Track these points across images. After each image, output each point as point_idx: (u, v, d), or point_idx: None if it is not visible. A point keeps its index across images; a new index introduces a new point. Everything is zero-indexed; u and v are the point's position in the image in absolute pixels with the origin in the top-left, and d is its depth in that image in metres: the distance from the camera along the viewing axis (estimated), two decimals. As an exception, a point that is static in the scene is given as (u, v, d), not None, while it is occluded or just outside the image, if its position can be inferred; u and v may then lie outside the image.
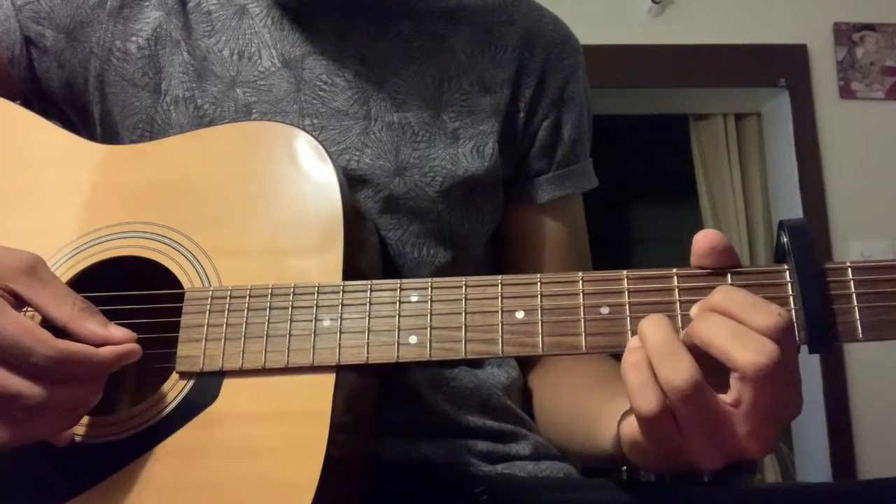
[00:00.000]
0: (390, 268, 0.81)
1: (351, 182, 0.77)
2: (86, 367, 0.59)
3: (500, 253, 0.92)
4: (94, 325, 0.61)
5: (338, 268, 0.66)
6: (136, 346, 0.61)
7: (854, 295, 0.57)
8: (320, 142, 0.71)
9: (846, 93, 2.81)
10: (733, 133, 3.21)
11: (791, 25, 2.84)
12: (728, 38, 2.81)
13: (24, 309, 0.60)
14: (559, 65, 0.90)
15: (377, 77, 0.83)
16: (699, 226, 3.00)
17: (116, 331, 0.61)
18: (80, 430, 0.65)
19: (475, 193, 0.84)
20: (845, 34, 2.84)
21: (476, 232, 0.86)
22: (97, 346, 0.60)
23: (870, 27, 2.85)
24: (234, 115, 0.81)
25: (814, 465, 2.71)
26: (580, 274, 0.61)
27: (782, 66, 2.82)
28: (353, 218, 0.70)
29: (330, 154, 0.71)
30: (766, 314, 0.53)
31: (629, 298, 0.60)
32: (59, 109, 0.88)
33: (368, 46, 0.84)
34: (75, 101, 0.87)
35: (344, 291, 0.65)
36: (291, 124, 0.76)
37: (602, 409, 0.70)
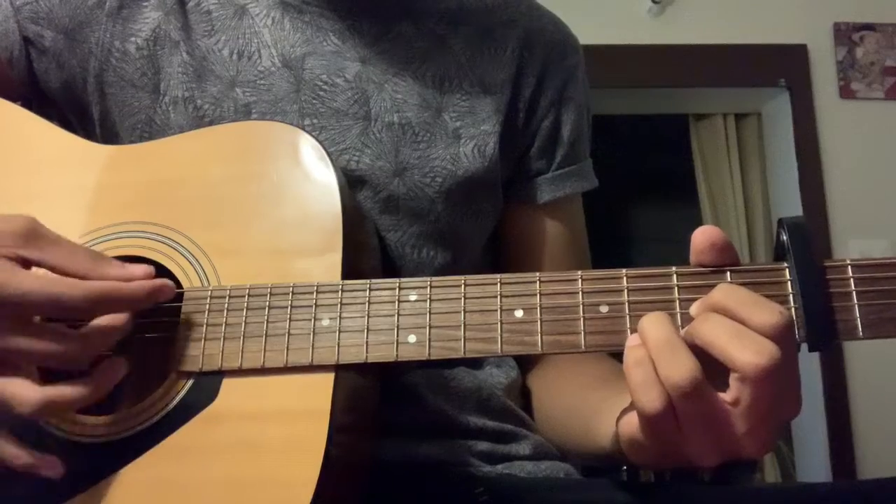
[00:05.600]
0: (390, 269, 0.81)
1: (350, 182, 0.77)
2: (121, 303, 0.61)
3: (500, 253, 0.92)
4: (114, 269, 0.62)
5: (337, 268, 0.66)
6: (169, 283, 0.64)
7: (854, 293, 0.56)
8: (320, 142, 0.71)
9: (846, 93, 2.81)
10: (733, 133, 3.21)
11: (791, 25, 2.84)
12: (728, 38, 2.81)
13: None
14: (559, 65, 0.90)
15: (377, 77, 0.83)
16: (699, 226, 2.99)
17: (136, 269, 0.63)
18: (79, 429, 0.65)
19: (475, 194, 0.84)
20: (845, 34, 2.84)
21: (475, 232, 0.86)
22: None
23: (870, 27, 2.85)
24: (234, 115, 0.80)
25: (814, 465, 2.71)
26: (579, 273, 0.61)
27: (782, 66, 2.82)
28: (353, 218, 0.70)
29: (330, 154, 0.71)
30: (767, 312, 0.53)
31: (628, 297, 0.60)
32: (58, 110, 0.88)
33: (369, 47, 0.84)
34: (74, 101, 0.87)
35: (343, 291, 0.64)
36: (291, 124, 0.76)
37: (600, 406, 0.70)
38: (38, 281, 0.58)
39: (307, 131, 0.73)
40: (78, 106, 0.87)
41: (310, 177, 0.70)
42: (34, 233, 0.61)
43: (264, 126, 0.76)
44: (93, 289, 0.59)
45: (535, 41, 0.89)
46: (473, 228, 0.86)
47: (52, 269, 0.61)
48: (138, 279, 0.62)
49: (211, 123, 0.80)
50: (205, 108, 0.81)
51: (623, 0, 2.83)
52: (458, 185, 0.82)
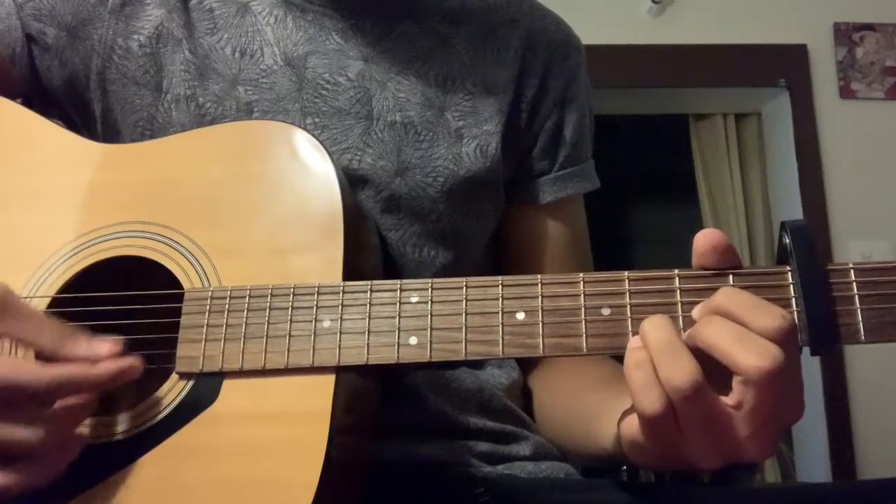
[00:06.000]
0: (391, 268, 0.81)
1: (352, 182, 0.77)
2: (86, 387, 0.59)
3: (501, 254, 0.92)
4: (80, 346, 0.60)
5: (337, 268, 0.66)
6: (135, 362, 0.61)
7: (856, 296, 0.56)
8: (321, 141, 0.71)
9: (846, 93, 2.81)
10: (733, 133, 3.21)
11: (791, 25, 2.84)
12: (728, 38, 2.81)
13: None
14: (561, 65, 0.90)
15: (380, 76, 0.83)
16: (699, 226, 2.99)
17: (103, 347, 0.60)
18: (81, 430, 0.64)
19: (477, 193, 0.84)
20: (845, 34, 2.84)
21: (477, 232, 0.86)
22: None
23: (870, 27, 2.84)
24: (236, 113, 0.80)
25: (814, 465, 2.71)
26: (581, 275, 0.61)
27: (782, 66, 2.82)
28: (354, 217, 0.70)
29: (330, 153, 0.70)
30: (770, 316, 0.53)
31: (630, 299, 0.60)
32: (60, 108, 0.88)
33: (372, 46, 0.84)
34: (76, 99, 0.86)
35: (344, 292, 0.64)
36: (293, 123, 0.76)
37: (602, 407, 0.70)
38: (2, 367, 0.57)
39: (309, 130, 0.72)
40: (80, 103, 0.86)
41: (310, 176, 0.70)
42: (3, 304, 0.59)
43: (264, 125, 0.75)
44: (57, 376, 0.57)
45: (537, 41, 0.89)
46: (475, 228, 0.86)
47: (18, 342, 0.60)
48: (105, 357, 0.60)
49: (213, 122, 0.80)
50: (207, 106, 0.81)
51: (623, 0, 2.83)
52: (460, 184, 0.82)
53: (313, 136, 0.71)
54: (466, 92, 0.85)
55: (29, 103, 0.85)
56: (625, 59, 2.74)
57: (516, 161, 0.88)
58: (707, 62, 2.80)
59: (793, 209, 2.79)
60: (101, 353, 0.60)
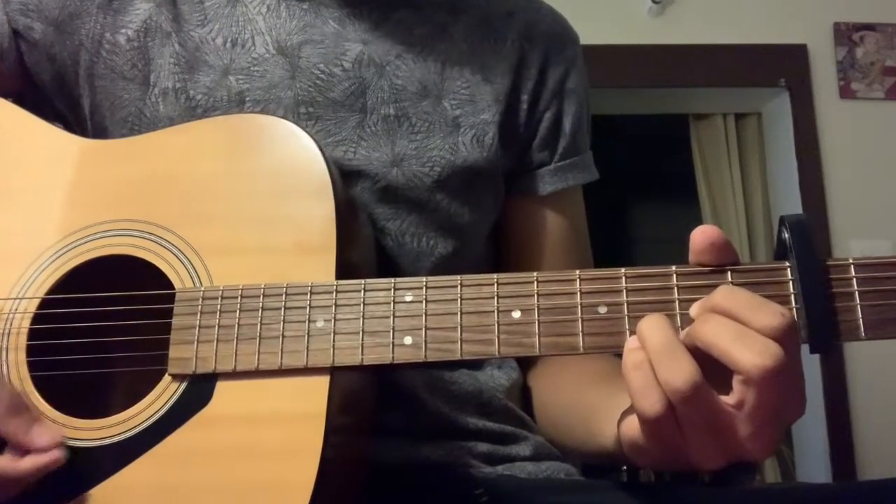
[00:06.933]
0: (389, 259, 0.80)
1: (348, 174, 0.77)
2: (6, 480, 0.59)
3: (502, 246, 0.91)
4: (19, 428, 0.60)
5: (331, 265, 0.65)
6: (58, 456, 0.61)
7: (856, 293, 0.55)
8: (313, 134, 0.70)
9: (846, 93, 2.81)
10: (733, 133, 3.21)
11: (791, 25, 2.84)
12: (728, 38, 2.81)
13: None
14: (559, 56, 0.89)
15: (379, 58, 0.83)
16: (699, 225, 2.99)
17: (42, 435, 0.61)
18: (74, 433, 0.64)
19: (475, 184, 0.83)
20: (845, 34, 2.84)
21: (476, 223, 0.85)
22: (21, 448, 0.60)
23: (870, 27, 2.84)
24: (227, 104, 0.80)
25: (814, 465, 2.71)
26: (577, 272, 0.60)
27: (782, 66, 2.82)
28: (346, 212, 0.68)
29: (322, 147, 0.69)
30: (769, 314, 0.52)
31: (627, 297, 0.59)
32: (51, 104, 0.87)
33: (370, 31, 0.84)
34: (66, 94, 0.86)
35: (337, 291, 0.63)
36: (285, 111, 0.75)
37: (602, 404, 0.69)
38: None
39: (302, 119, 0.71)
40: (70, 99, 0.86)
41: (301, 171, 0.69)
42: None
43: (254, 119, 0.74)
44: None
45: (534, 32, 0.89)
46: (474, 219, 0.85)
47: None
48: (37, 448, 0.60)
49: (204, 113, 0.79)
50: (197, 98, 0.80)
51: (623, 0, 2.83)
52: (457, 174, 0.82)
53: (305, 128, 0.70)
54: (465, 80, 0.85)
55: (22, 99, 0.84)
56: (625, 59, 2.74)
57: (517, 153, 0.87)
58: (707, 62, 2.80)
59: (793, 209, 2.78)
60: (36, 443, 0.60)
